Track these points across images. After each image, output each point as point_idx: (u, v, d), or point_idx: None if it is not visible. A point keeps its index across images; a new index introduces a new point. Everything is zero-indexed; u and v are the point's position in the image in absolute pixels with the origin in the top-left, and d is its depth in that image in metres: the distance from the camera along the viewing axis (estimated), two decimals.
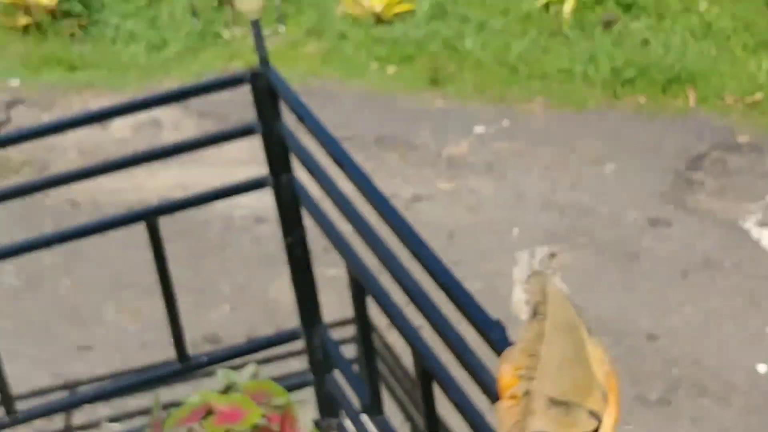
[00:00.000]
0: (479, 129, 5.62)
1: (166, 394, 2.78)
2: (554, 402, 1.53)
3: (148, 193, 4.85)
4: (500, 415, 1.59)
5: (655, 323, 4.17)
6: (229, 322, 4.34)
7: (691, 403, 3.78)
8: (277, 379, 2.63)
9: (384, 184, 5.21)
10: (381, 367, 3.06)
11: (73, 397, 3.85)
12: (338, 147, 2.26)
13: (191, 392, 2.51)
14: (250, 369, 2.51)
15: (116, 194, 4.94)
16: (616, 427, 1.64)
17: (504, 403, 1.59)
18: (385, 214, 2.09)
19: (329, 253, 2.43)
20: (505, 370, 1.63)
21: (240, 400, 2.38)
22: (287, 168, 2.51)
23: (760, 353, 3.96)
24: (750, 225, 4.69)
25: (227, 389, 2.46)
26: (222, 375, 2.47)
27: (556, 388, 1.54)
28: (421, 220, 4.95)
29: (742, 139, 5.24)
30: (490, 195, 5.12)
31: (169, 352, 4.08)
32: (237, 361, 2.71)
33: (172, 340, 2.55)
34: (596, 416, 1.57)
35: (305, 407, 2.48)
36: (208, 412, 2.42)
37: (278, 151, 2.48)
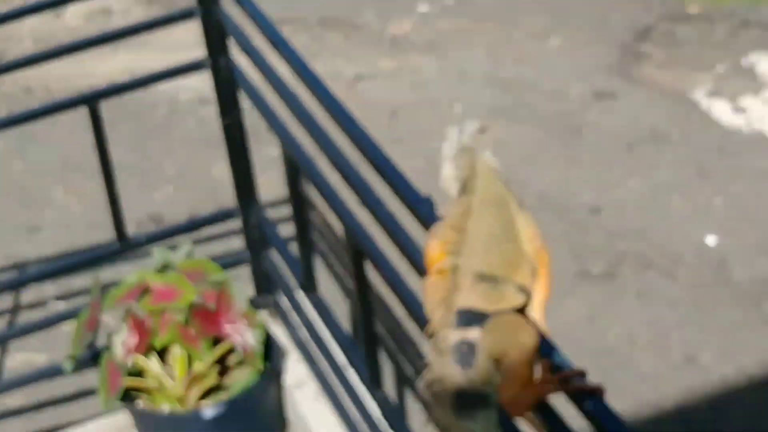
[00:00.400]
0: (423, 8, 5.51)
1: (109, 273, 2.75)
2: (482, 277, 1.49)
3: (97, 79, 4.73)
4: (427, 291, 1.54)
5: (599, 197, 4.15)
6: (173, 202, 4.27)
7: (637, 277, 3.78)
8: (215, 258, 2.60)
9: (327, 64, 5.10)
10: (321, 245, 3.05)
11: (19, 277, 3.82)
12: (274, 30, 2.24)
13: (132, 272, 2.49)
14: (185, 248, 2.47)
15: (67, 80, 4.83)
16: (546, 302, 1.61)
17: (431, 279, 1.55)
18: (319, 95, 2.05)
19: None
20: (433, 246, 1.58)
21: (175, 279, 2.34)
22: (225, 51, 2.52)
23: (709, 225, 3.95)
24: (699, 96, 4.64)
25: (164, 268, 2.43)
26: (158, 254, 2.43)
27: (483, 263, 1.50)
28: (364, 98, 4.87)
29: (692, 9, 5.15)
30: (432, 73, 5.03)
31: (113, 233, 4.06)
32: (177, 240, 2.68)
33: (110, 220, 2.54)
34: (525, 291, 1.53)
35: (241, 285, 2.46)
36: (145, 291, 2.39)
37: (216, 34, 2.49)
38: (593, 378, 3.48)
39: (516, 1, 5.39)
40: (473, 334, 1.45)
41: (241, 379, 2.45)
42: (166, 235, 2.66)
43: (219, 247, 3.62)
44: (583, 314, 3.65)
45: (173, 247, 2.48)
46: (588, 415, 1.38)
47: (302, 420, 2.53)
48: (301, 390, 2.57)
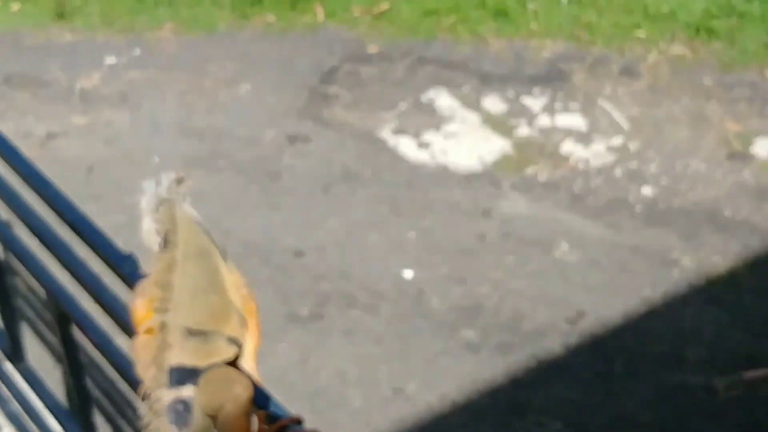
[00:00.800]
0: (110, 60, 5.38)
1: None
2: (191, 332, 1.45)
3: None
4: (136, 351, 1.48)
5: (301, 240, 4.19)
6: None
7: (342, 316, 3.83)
8: None
9: (16, 123, 4.87)
10: (26, 312, 2.89)
11: None
12: None
13: None
14: None
15: None
16: (257, 350, 1.59)
17: (140, 339, 1.49)
18: (6, 156, 1.94)
19: None
20: (139, 304, 1.52)
21: None
22: None
23: (404, 259, 4.07)
24: (386, 134, 4.77)
25: None
26: None
27: (191, 317, 1.45)
28: (57, 156, 4.68)
29: (372, 49, 5.32)
30: (126, 126, 4.91)
31: None
32: None
33: None
34: (235, 342, 1.50)
35: None
36: None
37: None
38: (308, 421, 3.49)
39: (204, 50, 5.37)
40: (187, 392, 1.41)
41: None
42: None
43: None
44: (294, 357, 3.66)
45: None
46: None
47: None
48: None
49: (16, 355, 2.29)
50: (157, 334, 1.44)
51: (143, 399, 1.41)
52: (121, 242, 1.72)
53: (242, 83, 5.14)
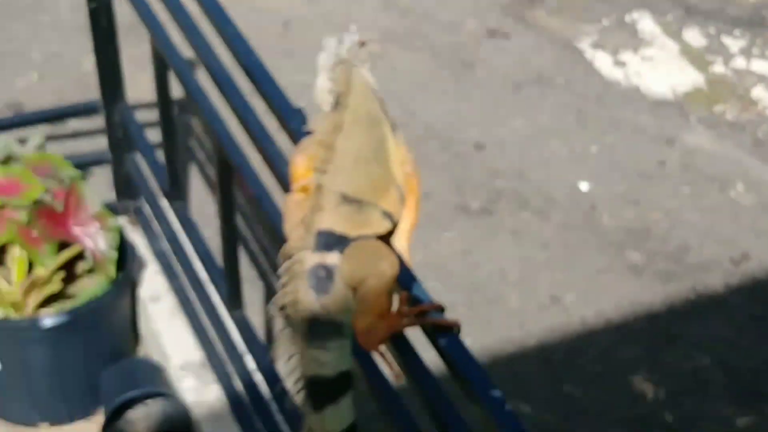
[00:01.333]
0: None
1: None
2: (346, 198, 1.40)
3: None
4: (288, 208, 1.45)
5: (483, 133, 4.10)
6: (36, 91, 4.02)
7: (512, 215, 3.75)
8: (72, 156, 2.45)
9: None
10: (196, 154, 2.92)
11: None
12: None
13: None
14: (35, 140, 2.30)
15: None
16: (412, 230, 1.53)
17: (294, 196, 1.46)
18: None
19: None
20: (299, 161, 1.48)
21: (19, 173, 2.17)
22: None
23: (583, 171, 3.96)
24: (584, 45, 4.63)
25: (7, 160, 2.25)
26: (2, 145, 2.25)
27: (349, 184, 1.40)
28: (256, 6, 4.69)
29: None
30: None
31: None
32: (30, 132, 2.50)
33: None
34: (390, 217, 1.45)
35: (93, 187, 2.31)
36: None
37: None
38: (462, 314, 3.45)
39: None
40: (332, 258, 1.37)
41: (89, 288, 2.30)
42: (16, 123, 2.48)
43: (79, 146, 3.45)
44: (457, 248, 3.62)
45: (23, 140, 2.30)
46: (441, 351, 1.31)
47: (155, 336, 2.41)
48: (157, 304, 2.45)
49: (173, 192, 2.29)
50: (312, 194, 1.40)
51: (285, 259, 1.38)
52: (304, 102, 1.68)
53: None
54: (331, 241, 1.37)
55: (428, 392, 1.33)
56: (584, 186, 3.89)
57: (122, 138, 2.50)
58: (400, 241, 1.50)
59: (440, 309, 1.37)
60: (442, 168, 3.91)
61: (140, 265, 2.50)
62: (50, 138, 3.15)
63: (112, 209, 2.53)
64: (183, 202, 2.30)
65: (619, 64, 4.53)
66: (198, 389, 2.25)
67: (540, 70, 4.45)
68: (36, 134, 2.33)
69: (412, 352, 1.39)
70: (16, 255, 2.21)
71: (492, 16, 4.73)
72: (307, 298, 1.36)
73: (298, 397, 1.38)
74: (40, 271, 2.21)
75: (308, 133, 1.47)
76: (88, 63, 3.68)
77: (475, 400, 1.21)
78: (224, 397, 2.15)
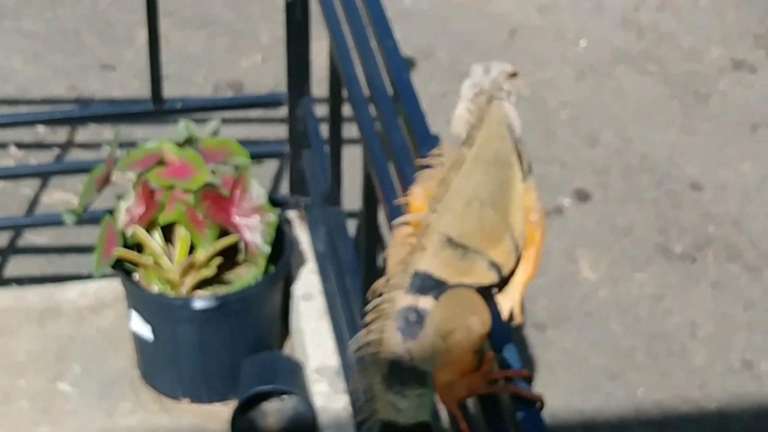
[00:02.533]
0: None
1: (141, 134, 2.64)
2: (451, 242, 1.30)
3: None
4: (394, 243, 1.37)
5: (705, 173, 3.84)
6: (258, 72, 4.12)
7: (718, 266, 3.50)
8: (250, 144, 2.46)
9: None
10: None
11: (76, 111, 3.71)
12: None
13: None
14: (213, 125, 2.33)
15: None
16: (527, 284, 1.42)
17: (403, 230, 1.38)
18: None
19: None
20: (417, 193, 1.40)
21: (191, 157, 2.20)
22: None
23: None
24: None
25: (187, 142, 2.29)
26: (183, 126, 2.30)
27: (456, 227, 1.31)
28: (486, 10, 4.60)
29: None
30: None
31: (190, 89, 3.91)
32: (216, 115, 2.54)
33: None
34: (498, 269, 1.34)
35: (265, 179, 2.31)
36: (161, 162, 2.26)
37: None
38: (640, 359, 3.24)
39: None
40: (425, 302, 1.29)
41: (244, 277, 2.32)
42: (204, 106, 2.53)
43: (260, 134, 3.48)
44: (649, 292, 3.42)
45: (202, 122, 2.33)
46: (516, 424, 1.20)
47: (301, 335, 2.41)
48: (308, 303, 2.44)
49: (332, 196, 2.26)
50: (419, 232, 1.32)
51: (375, 296, 1.31)
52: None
53: None
54: (428, 284, 1.29)
55: None
56: None
57: (302, 132, 2.50)
58: (511, 294, 1.40)
59: (528, 378, 1.25)
60: (650, 204, 3.70)
61: (300, 261, 2.49)
62: (229, 120, 3.19)
63: (284, 203, 2.54)
64: (340, 208, 2.27)
65: None
66: (328, 395, 2.23)
67: None
68: (215, 119, 2.36)
69: (498, 418, 1.28)
70: (181, 235, 2.26)
71: (742, 45, 4.43)
72: (393, 341, 1.28)
73: None
74: (200, 254, 2.25)
75: (428, 164, 1.38)
76: (316, 51, 3.73)
77: None
78: (350, 408, 2.13)
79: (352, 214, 2.64)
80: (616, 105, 4.12)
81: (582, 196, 3.74)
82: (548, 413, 3.09)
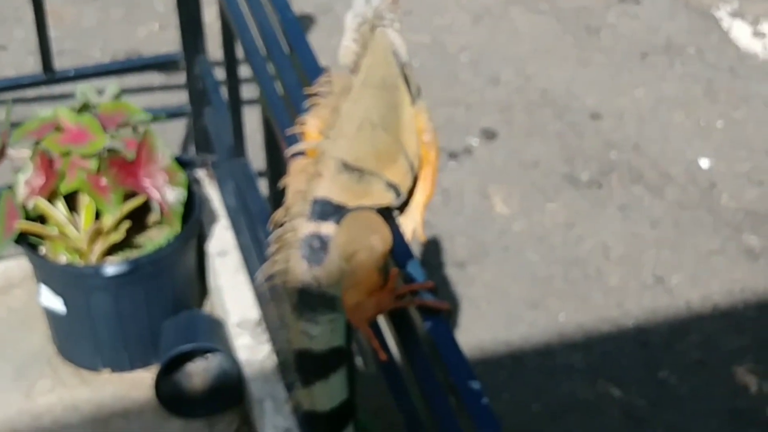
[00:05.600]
0: None
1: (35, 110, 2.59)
2: (347, 166, 1.33)
3: None
4: (292, 174, 1.39)
5: (602, 102, 3.94)
6: (155, 41, 4.08)
7: (623, 189, 3.60)
8: (152, 108, 2.45)
9: None
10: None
11: None
12: None
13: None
14: (111, 89, 2.30)
15: None
16: (427, 204, 1.45)
17: (298, 162, 1.40)
18: None
19: None
20: (311, 124, 1.42)
21: (88, 122, 2.18)
22: None
23: (705, 146, 3.76)
24: (722, 13, 4.38)
25: (83, 108, 2.26)
26: (80, 92, 2.27)
27: (351, 151, 1.33)
28: None
29: None
30: None
31: (87, 62, 3.85)
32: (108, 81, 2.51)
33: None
34: (395, 189, 1.37)
35: (170, 139, 2.30)
36: (58, 129, 2.24)
37: None
38: (559, 285, 3.30)
39: None
40: (327, 228, 1.31)
41: (156, 239, 2.31)
42: (97, 72, 2.50)
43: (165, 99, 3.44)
44: (561, 220, 3.50)
45: (101, 90, 2.31)
46: (425, 334, 1.23)
47: (219, 292, 2.41)
48: (223, 259, 2.45)
49: (237, 149, 2.27)
50: (315, 160, 1.34)
51: (276, 226, 1.33)
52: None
53: None
54: (328, 210, 1.31)
55: (419, 374, 1.26)
56: (705, 162, 3.70)
57: (201, 91, 2.49)
58: (412, 214, 1.43)
59: (432, 289, 1.29)
60: (554, 136, 3.78)
61: (212, 219, 2.49)
62: (131, 90, 3.17)
63: (191, 163, 2.53)
64: (245, 158, 2.28)
65: (759, 35, 4.27)
66: (251, 347, 2.24)
67: (670, 38, 4.24)
68: (112, 83, 2.33)
69: (408, 331, 1.31)
70: (85, 203, 2.23)
71: None
72: (299, 269, 1.30)
73: (285, 371, 1.34)
74: (107, 220, 2.23)
75: (318, 93, 1.40)
76: (210, 15, 3.71)
77: (452, 389, 1.13)
78: (274, 356, 2.13)
79: (262, 174, 2.66)
80: (513, 44, 4.18)
81: (489, 135, 3.80)
82: (476, 347, 3.17)
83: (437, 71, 3.98)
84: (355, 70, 1.39)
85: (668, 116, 3.89)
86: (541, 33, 4.25)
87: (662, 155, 3.73)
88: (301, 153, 1.38)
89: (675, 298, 3.27)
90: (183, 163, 2.35)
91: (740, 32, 4.28)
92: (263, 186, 2.29)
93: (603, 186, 3.62)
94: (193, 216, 2.33)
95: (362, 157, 1.33)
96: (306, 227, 1.31)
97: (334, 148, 1.33)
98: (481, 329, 3.13)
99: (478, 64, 4.07)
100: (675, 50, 4.19)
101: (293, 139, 1.71)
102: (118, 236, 2.23)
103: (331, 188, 1.31)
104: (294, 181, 1.35)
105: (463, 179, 3.62)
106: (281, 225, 1.32)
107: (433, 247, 3.37)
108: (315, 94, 1.40)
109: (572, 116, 3.88)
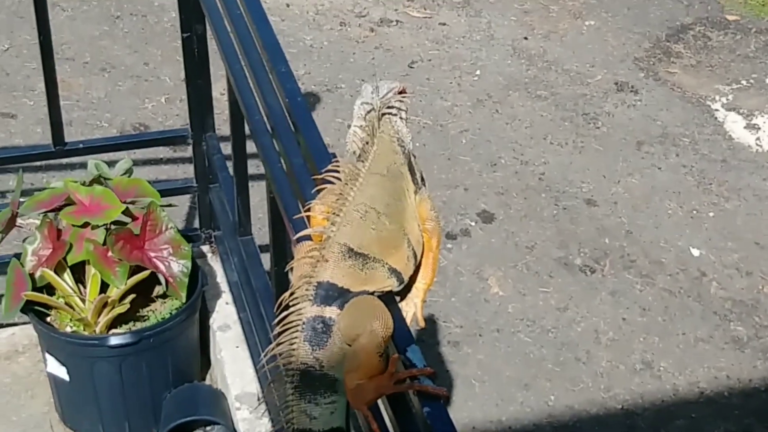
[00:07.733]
0: None
1: (43, 179, 2.66)
2: (351, 252, 1.38)
3: None
4: (298, 258, 1.44)
5: (597, 189, 4.03)
6: (163, 114, 4.17)
7: (615, 276, 3.67)
8: (158, 182, 2.52)
9: (354, 2, 4.99)
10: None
11: None
12: None
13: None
14: (124, 163, 2.38)
15: None
16: (428, 290, 1.50)
17: (305, 245, 1.45)
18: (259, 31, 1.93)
19: None
20: (317, 209, 1.47)
21: (102, 194, 2.25)
22: None
23: (696, 236, 3.84)
24: (717, 105, 4.50)
25: (95, 182, 2.33)
26: (92, 166, 2.34)
27: (355, 237, 1.38)
28: (385, 43, 4.76)
29: (731, 17, 5.00)
30: (460, 30, 4.90)
31: (94, 133, 3.94)
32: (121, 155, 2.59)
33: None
34: (397, 275, 1.43)
35: (171, 215, 2.36)
36: (70, 202, 2.30)
37: None
38: (549, 368, 3.35)
39: None
40: (330, 312, 1.36)
41: (161, 312, 2.37)
42: (108, 146, 2.56)
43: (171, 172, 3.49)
44: (553, 303, 3.57)
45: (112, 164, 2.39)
46: (423, 418, 1.28)
47: (220, 365, 2.46)
48: (225, 333, 2.50)
49: (242, 226, 2.33)
50: (320, 245, 1.40)
51: (282, 309, 1.38)
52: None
53: (588, 18, 4.98)
54: (332, 294, 1.36)
55: None
56: (695, 252, 3.78)
57: (208, 168, 2.56)
58: (412, 300, 1.48)
59: (431, 375, 1.34)
60: (549, 221, 3.86)
61: (215, 294, 2.55)
62: (137, 162, 3.25)
63: (195, 237, 2.59)
64: (251, 237, 2.34)
65: (752, 127, 4.38)
66: (251, 421, 2.28)
67: (666, 128, 4.35)
68: (125, 159, 2.41)
69: (407, 415, 1.37)
70: (92, 274, 2.29)
71: (623, 69, 4.66)
72: (302, 351, 1.35)
73: None
74: (113, 292, 2.28)
75: (325, 179, 1.46)
76: (219, 91, 3.81)
77: None
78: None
79: (265, 248, 2.73)
80: (512, 129, 4.29)
81: (486, 217, 3.88)
82: (468, 425, 3.20)
83: (437, 152, 4.08)
84: (362, 157, 1.45)
85: (661, 205, 3.98)
86: (540, 119, 4.36)
87: (654, 243, 3.81)
88: (307, 237, 1.44)
89: (663, 382, 3.32)
90: (188, 238, 2.42)
91: (734, 124, 4.40)
92: (265, 260, 2.36)
93: (596, 271, 3.69)
94: (196, 289, 2.39)
95: (367, 243, 1.38)
96: (310, 310, 1.35)
97: (340, 233, 1.38)
98: (473, 408, 3.18)
99: (478, 147, 4.17)
100: (670, 140, 4.29)
101: (299, 223, 1.79)
102: (123, 308, 2.28)
103: (335, 273, 1.36)
104: (300, 264, 1.41)
105: (459, 260, 3.69)
106: (286, 307, 1.38)
107: (429, 326, 3.43)
108: (322, 180, 1.46)
109: (568, 201, 3.96)
